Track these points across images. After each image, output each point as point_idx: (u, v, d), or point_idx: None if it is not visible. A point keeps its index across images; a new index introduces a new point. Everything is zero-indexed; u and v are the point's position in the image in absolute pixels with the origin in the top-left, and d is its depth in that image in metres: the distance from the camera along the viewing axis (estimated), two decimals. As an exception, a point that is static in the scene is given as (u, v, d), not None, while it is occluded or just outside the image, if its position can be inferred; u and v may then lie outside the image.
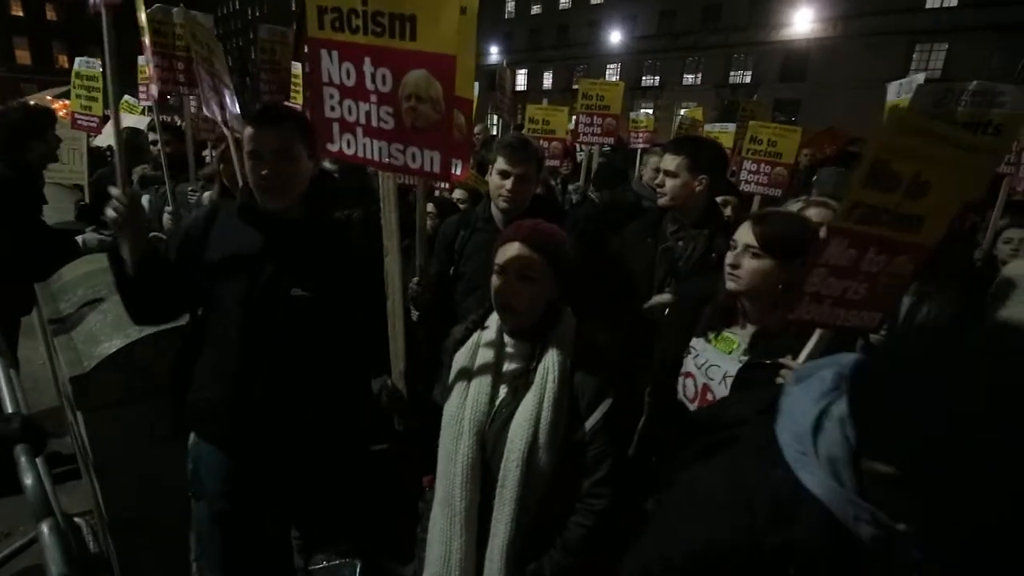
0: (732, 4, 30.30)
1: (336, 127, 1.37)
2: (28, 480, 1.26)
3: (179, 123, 5.16)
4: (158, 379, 1.93)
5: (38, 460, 1.33)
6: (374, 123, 1.31)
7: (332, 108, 1.35)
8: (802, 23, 28.06)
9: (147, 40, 2.99)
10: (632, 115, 6.19)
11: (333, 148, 1.40)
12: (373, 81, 1.27)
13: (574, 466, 1.36)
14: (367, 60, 1.26)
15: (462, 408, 1.38)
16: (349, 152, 1.38)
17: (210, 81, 2.62)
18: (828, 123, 10.30)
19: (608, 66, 35.28)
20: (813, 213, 2.00)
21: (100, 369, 1.80)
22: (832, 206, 1.97)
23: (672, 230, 2.15)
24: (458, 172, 1.67)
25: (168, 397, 1.94)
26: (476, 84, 2.10)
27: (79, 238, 2.85)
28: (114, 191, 1.47)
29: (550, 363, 1.34)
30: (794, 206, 2.03)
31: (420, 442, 1.49)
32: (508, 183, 2.00)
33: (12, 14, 42.13)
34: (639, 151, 5.12)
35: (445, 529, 1.37)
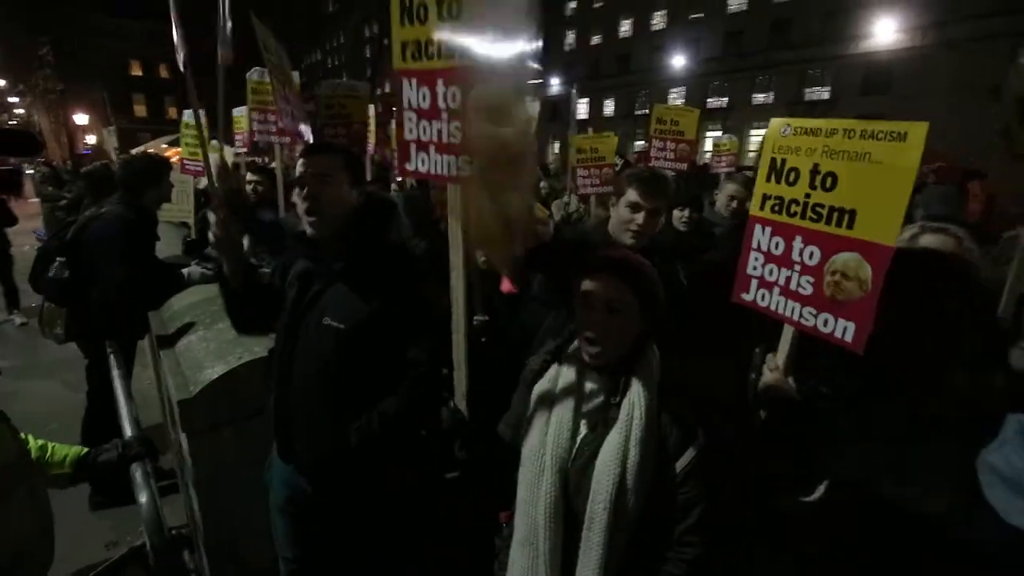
0: (803, 19, 29.20)
1: (413, 148, 1.50)
2: (143, 498, 1.37)
3: (270, 163, 5.65)
4: (254, 403, 2.08)
5: (151, 480, 1.45)
6: (445, 139, 1.44)
7: (410, 131, 1.50)
8: (884, 34, 26.53)
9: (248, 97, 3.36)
10: (714, 138, 6.20)
11: (410, 167, 1.53)
12: (444, 100, 1.42)
13: (663, 510, 1.29)
14: (439, 82, 1.42)
15: (543, 444, 1.33)
16: (423, 169, 1.50)
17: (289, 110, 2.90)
18: None
19: (672, 90, 34.88)
20: (930, 240, 1.66)
21: (204, 394, 1.95)
22: (953, 232, 1.66)
23: None
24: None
25: (261, 421, 2.09)
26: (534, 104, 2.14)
27: (185, 271, 3.16)
28: (211, 216, 1.66)
29: (635, 399, 1.28)
30: (908, 232, 1.69)
31: (484, 472, 1.47)
32: (639, 217, 1.94)
33: (132, 74, 48.20)
34: (712, 176, 5.03)
35: (527, 569, 1.33)
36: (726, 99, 33.44)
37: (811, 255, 1.40)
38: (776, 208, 1.47)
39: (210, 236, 1.66)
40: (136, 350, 3.48)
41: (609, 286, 1.30)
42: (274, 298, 1.75)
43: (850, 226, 1.33)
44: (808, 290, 1.40)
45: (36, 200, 8.02)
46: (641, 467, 1.25)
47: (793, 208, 1.43)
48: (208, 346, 2.23)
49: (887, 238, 1.28)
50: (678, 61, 34.60)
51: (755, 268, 1.52)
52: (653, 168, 2.65)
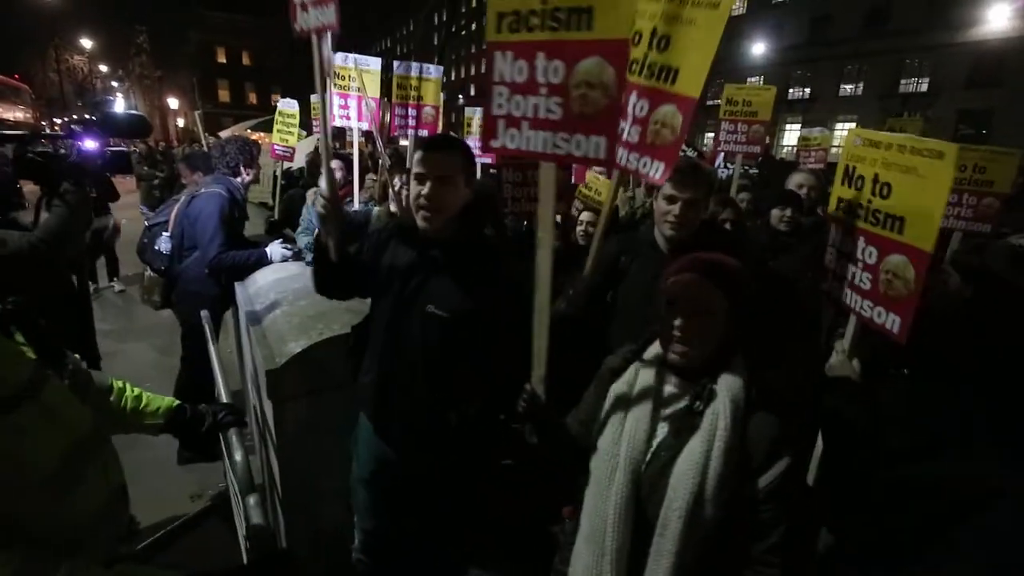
0: (903, 5, 26.83)
1: (502, 124, 1.43)
2: (238, 456, 1.46)
3: (346, 151, 5.86)
4: (332, 376, 2.17)
5: (243, 441, 1.54)
6: (541, 114, 1.36)
7: (499, 106, 1.42)
8: (998, 20, 23.94)
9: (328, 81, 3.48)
10: (803, 132, 5.81)
11: (496, 144, 1.45)
12: (544, 75, 1.33)
13: (743, 526, 1.23)
14: (540, 55, 1.32)
15: (617, 444, 1.31)
16: (512, 146, 1.43)
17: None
18: None
19: (749, 79, 33.14)
20: None
21: (289, 365, 2.06)
22: None
23: None
24: (658, 175, 1.66)
25: (338, 392, 2.19)
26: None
27: (268, 249, 3.34)
28: (323, 189, 1.75)
29: (721, 408, 1.22)
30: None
31: (549, 459, 1.45)
32: (675, 208, 1.92)
33: (217, 61, 51.25)
34: (788, 166, 4.71)
35: (591, 567, 1.30)
36: (808, 89, 31.43)
37: (871, 254, 1.60)
38: (847, 210, 1.69)
39: (318, 209, 1.76)
40: (221, 321, 3.73)
41: (697, 287, 1.26)
42: (358, 272, 1.85)
43: (900, 231, 1.52)
44: (867, 285, 1.61)
45: (132, 178, 8.69)
46: (722, 479, 1.19)
47: (859, 211, 1.64)
48: (291, 321, 2.34)
49: (926, 244, 1.46)
50: (758, 49, 32.79)
51: (831, 262, 1.75)
52: (688, 157, 2.50)
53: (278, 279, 3.02)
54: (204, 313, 2.70)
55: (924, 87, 26.86)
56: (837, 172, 1.72)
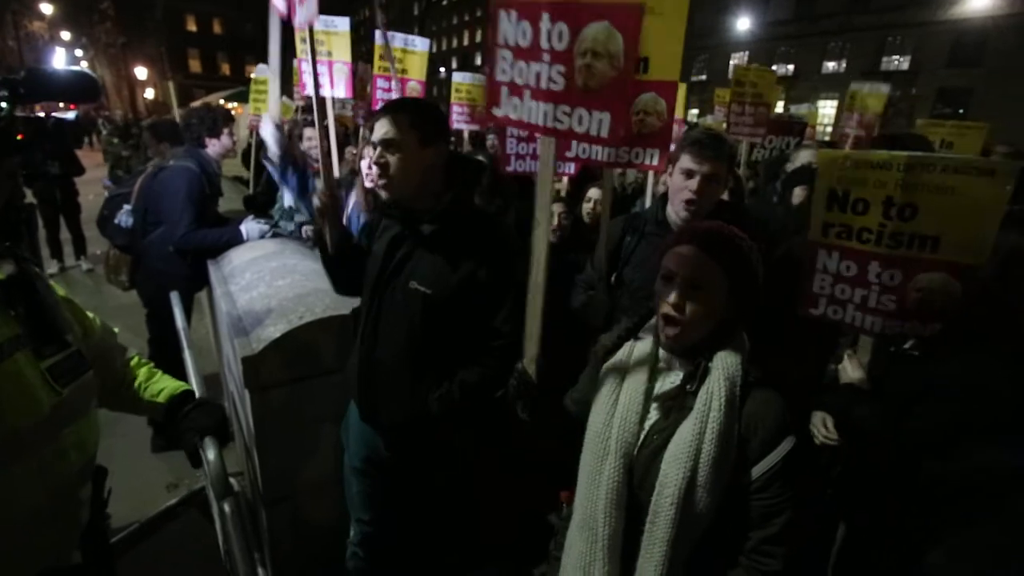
0: (887, -20, 26.76)
1: (505, 91, 1.33)
2: (211, 455, 1.33)
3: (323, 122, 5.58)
4: (315, 363, 2.05)
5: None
6: (543, 84, 1.25)
7: (503, 71, 1.31)
8: (979, -1, 24.03)
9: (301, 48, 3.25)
10: (791, 108, 5.71)
11: (499, 113, 1.35)
12: (549, 39, 1.22)
13: (741, 514, 1.16)
14: (545, 16, 1.21)
15: (608, 427, 1.23)
16: (514, 116, 1.33)
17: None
18: (1006, 115, 8.63)
19: (733, 54, 32.92)
20: None
21: (268, 352, 1.92)
22: None
23: None
24: (654, 162, 1.58)
25: (321, 380, 2.07)
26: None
27: (243, 227, 3.15)
28: (320, 186, 1.70)
29: (715, 388, 1.15)
30: None
31: (542, 438, 1.42)
32: (693, 183, 1.79)
33: (187, 29, 49.02)
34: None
35: (584, 554, 1.25)
36: (792, 66, 31.36)
37: (891, 277, 1.51)
38: (843, 235, 1.57)
39: (316, 203, 1.73)
40: (193, 301, 3.55)
41: (694, 260, 1.16)
42: (364, 258, 1.81)
43: (934, 250, 1.45)
44: (891, 307, 1.52)
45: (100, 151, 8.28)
46: (716, 464, 1.12)
47: (866, 236, 1.53)
48: (270, 303, 2.19)
49: (972, 257, 1.41)
50: (743, 24, 32.51)
51: (822, 287, 1.63)
52: (706, 129, 2.45)
53: (254, 258, 2.84)
54: (174, 294, 2.53)
55: (905, 65, 27.03)
56: (817, 197, 1.60)
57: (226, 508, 1.20)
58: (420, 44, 3.92)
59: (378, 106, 3.75)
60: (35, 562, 1.04)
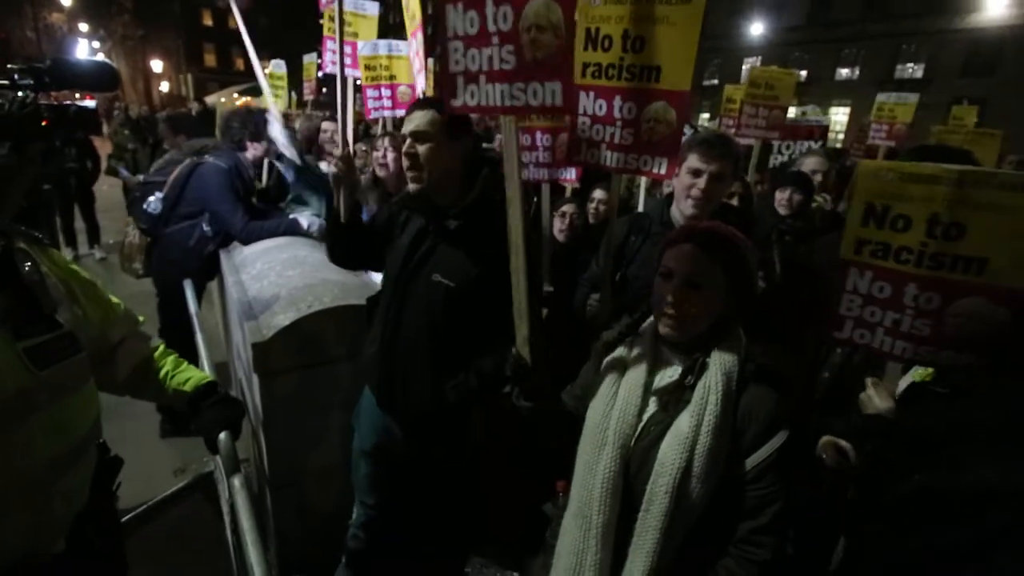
0: (903, -12, 26.53)
1: (460, 80, 1.37)
2: (222, 435, 1.37)
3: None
4: (322, 351, 2.09)
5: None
6: (496, 66, 1.30)
7: (456, 62, 1.35)
8: (995, 7, 23.79)
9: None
10: (795, 111, 5.59)
11: (457, 103, 1.39)
12: (495, 22, 1.27)
13: (733, 505, 1.20)
14: (489, 2, 1.26)
15: (607, 418, 1.27)
16: (472, 103, 1.37)
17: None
18: (1019, 125, 8.50)
19: (746, 59, 32.75)
20: None
21: (277, 339, 1.96)
22: None
23: None
24: (662, 170, 1.60)
25: (327, 368, 2.11)
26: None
27: (299, 217, 3.24)
28: (336, 152, 1.77)
29: (712, 382, 1.18)
30: None
31: (541, 427, 1.39)
32: (700, 182, 1.83)
33: (203, 24, 49.44)
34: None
35: (578, 540, 1.27)
36: (805, 72, 31.17)
37: (929, 300, 1.38)
38: (879, 253, 1.43)
39: (333, 170, 1.83)
40: (204, 291, 3.61)
41: (693, 258, 1.20)
42: (369, 240, 1.88)
43: (980, 272, 1.33)
44: (925, 332, 1.40)
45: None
46: (712, 455, 1.16)
47: (904, 255, 1.40)
48: (279, 292, 2.24)
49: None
50: (756, 29, 32.36)
51: (850, 309, 1.50)
52: (714, 130, 2.47)
53: (265, 248, 2.90)
54: (187, 282, 2.58)
55: (920, 73, 26.80)
56: (852, 212, 1.46)
57: (236, 483, 1.24)
58: (370, 8, 3.77)
59: (371, 115, 3.77)
60: (16, 545, 1.02)
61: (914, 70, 27.07)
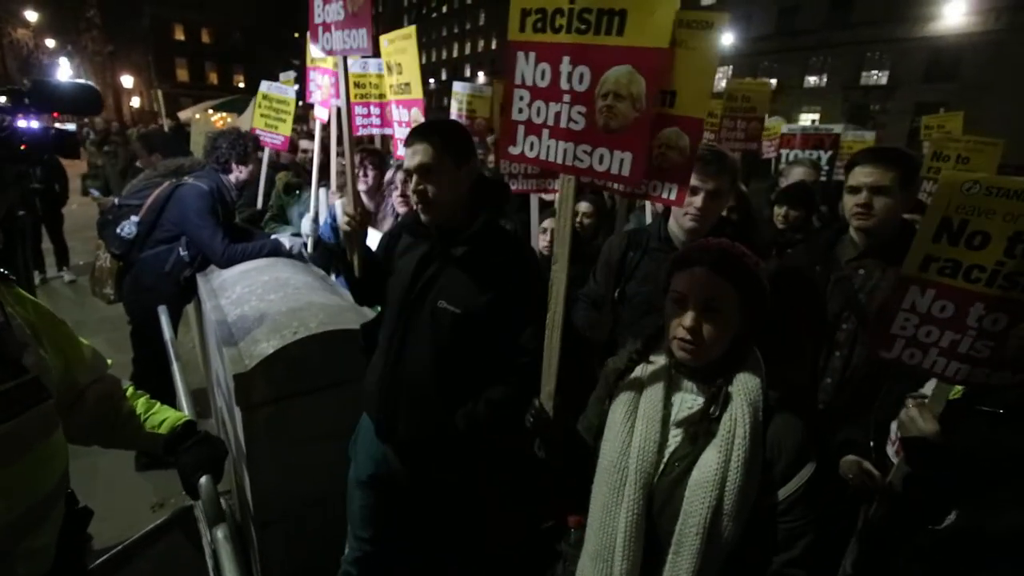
0: (866, -3, 27.47)
1: (521, 130, 1.34)
2: (203, 480, 1.28)
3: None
4: (309, 380, 2.00)
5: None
6: (563, 124, 1.27)
7: (520, 111, 1.33)
8: (953, 16, 24.76)
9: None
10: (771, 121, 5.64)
11: (515, 151, 1.36)
12: (569, 81, 1.24)
13: (764, 538, 1.15)
14: (566, 59, 1.23)
15: (626, 454, 1.20)
16: (531, 155, 1.34)
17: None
18: (982, 127, 8.82)
19: (718, 69, 33.50)
20: None
21: (260, 368, 1.87)
22: None
23: (851, 257, 1.83)
24: (672, 197, 1.57)
25: (315, 397, 2.02)
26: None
27: (282, 239, 3.13)
28: (349, 210, 1.71)
29: (738, 414, 1.13)
30: None
31: (559, 474, 1.37)
32: (697, 199, 1.81)
33: (175, 38, 48.70)
34: (762, 161, 4.69)
35: None
36: (774, 81, 31.99)
37: (994, 321, 1.32)
38: (947, 271, 1.35)
39: (343, 227, 1.74)
40: (182, 314, 3.48)
41: (708, 283, 1.15)
42: (382, 274, 1.82)
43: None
44: (984, 353, 1.34)
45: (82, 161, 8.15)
46: (742, 491, 1.10)
47: (976, 274, 1.32)
48: (262, 318, 2.15)
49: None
50: (726, 39, 33.09)
51: (904, 328, 1.42)
52: (711, 146, 2.48)
53: (244, 271, 2.80)
54: (162, 308, 2.47)
55: (884, 80, 27.71)
56: (924, 226, 1.37)
57: (219, 535, 1.15)
58: (372, 67, 3.53)
59: (359, 132, 3.67)
60: None
61: (879, 77, 28.01)
